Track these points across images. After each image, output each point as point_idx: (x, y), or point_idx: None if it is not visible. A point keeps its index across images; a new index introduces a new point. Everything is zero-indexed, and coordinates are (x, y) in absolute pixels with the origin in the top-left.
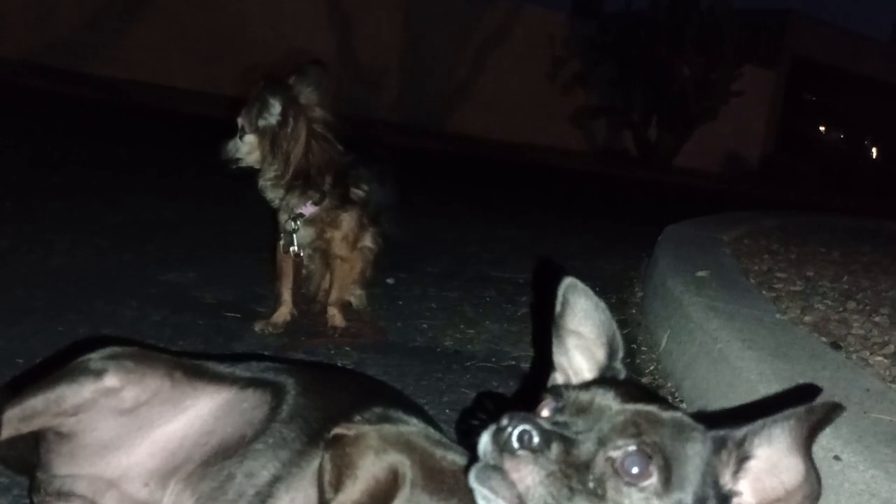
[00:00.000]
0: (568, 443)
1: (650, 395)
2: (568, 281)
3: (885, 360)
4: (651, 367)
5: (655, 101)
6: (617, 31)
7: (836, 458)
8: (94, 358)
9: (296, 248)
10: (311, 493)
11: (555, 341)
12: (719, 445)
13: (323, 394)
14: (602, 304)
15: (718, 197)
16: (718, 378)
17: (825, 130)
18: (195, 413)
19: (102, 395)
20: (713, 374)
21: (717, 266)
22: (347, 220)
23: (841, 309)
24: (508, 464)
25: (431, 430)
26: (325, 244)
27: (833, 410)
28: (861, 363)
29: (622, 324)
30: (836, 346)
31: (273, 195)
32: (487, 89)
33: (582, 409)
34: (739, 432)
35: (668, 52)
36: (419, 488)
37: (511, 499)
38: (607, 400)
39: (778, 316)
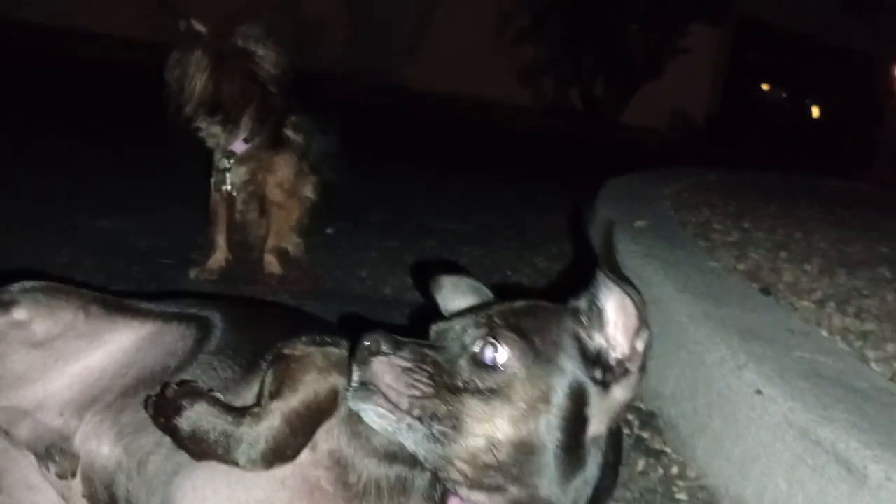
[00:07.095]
0: (427, 349)
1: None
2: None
3: (812, 305)
4: None
5: (602, 58)
6: None
7: (758, 391)
8: (6, 290)
9: (228, 186)
10: None
11: None
12: (576, 311)
13: (252, 327)
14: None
15: (663, 154)
16: (650, 320)
17: (770, 90)
18: (115, 346)
19: (12, 328)
20: None
21: (656, 217)
22: (283, 165)
23: (774, 258)
24: (368, 373)
25: None
26: (259, 188)
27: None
28: (789, 307)
29: (562, 274)
30: (765, 291)
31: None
32: (434, 43)
33: (447, 331)
34: (587, 294)
35: (614, 7)
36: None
37: (383, 403)
38: (468, 317)
39: (711, 264)
